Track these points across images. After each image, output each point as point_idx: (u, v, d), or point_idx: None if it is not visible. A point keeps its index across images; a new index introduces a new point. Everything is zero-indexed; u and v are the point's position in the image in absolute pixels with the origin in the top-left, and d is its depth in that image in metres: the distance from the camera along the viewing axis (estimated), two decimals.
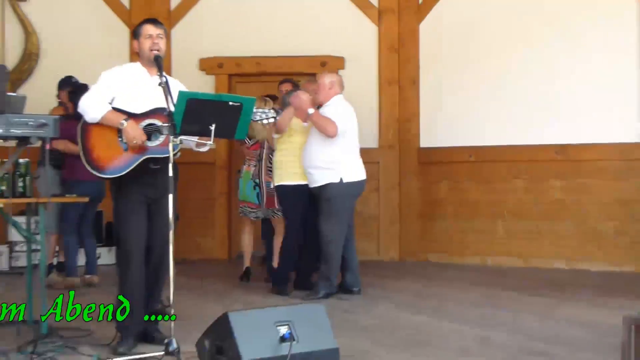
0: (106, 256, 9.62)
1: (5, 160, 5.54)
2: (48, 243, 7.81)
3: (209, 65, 10.21)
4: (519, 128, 9.56)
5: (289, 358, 4.11)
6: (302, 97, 6.93)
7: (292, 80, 8.61)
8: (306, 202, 7.21)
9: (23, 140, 4.08)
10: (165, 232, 4.79)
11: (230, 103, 4.80)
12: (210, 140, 4.77)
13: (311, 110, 6.76)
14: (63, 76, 8.28)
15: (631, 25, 8.94)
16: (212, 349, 4.26)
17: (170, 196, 4.66)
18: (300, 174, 7.13)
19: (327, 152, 6.81)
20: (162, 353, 4.60)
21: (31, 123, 4.02)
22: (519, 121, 9.55)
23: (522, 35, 9.55)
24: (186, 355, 4.55)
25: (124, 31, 10.39)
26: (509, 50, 9.63)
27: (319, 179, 6.90)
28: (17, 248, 9.53)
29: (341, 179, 6.82)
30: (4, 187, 5.93)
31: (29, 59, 10.02)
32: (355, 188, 6.96)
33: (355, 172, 6.95)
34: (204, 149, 5.12)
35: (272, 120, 5.21)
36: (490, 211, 9.82)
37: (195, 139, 4.95)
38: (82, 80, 7.87)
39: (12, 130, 4.00)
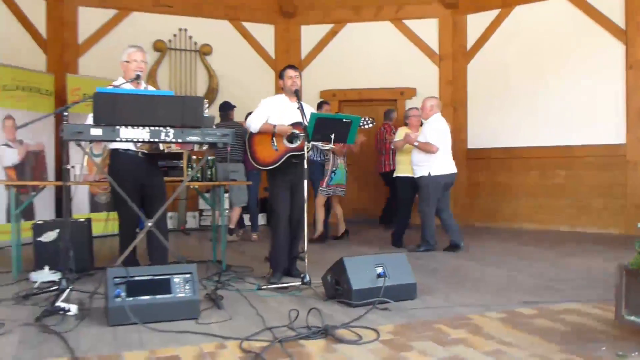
0: (261, 220, 9.79)
1: (200, 158, 5.72)
2: (233, 212, 8.05)
3: (326, 95, 10.22)
4: (535, 134, 9.37)
5: (383, 288, 4.12)
6: (412, 136, 6.92)
7: (326, 102, 8.53)
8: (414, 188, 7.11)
9: (212, 145, 4.16)
10: (302, 205, 4.88)
11: (344, 120, 4.81)
12: (331, 144, 4.83)
13: (416, 143, 6.75)
14: (235, 104, 8.45)
15: (615, 57, 8.66)
16: (332, 281, 4.29)
17: (305, 181, 4.74)
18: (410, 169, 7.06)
19: (422, 155, 6.73)
20: (300, 283, 4.68)
21: (218, 134, 4.10)
22: (535, 129, 9.36)
23: (537, 68, 9.33)
24: (315, 284, 4.59)
25: (271, 73, 10.55)
26: (528, 80, 9.41)
27: (417, 173, 6.83)
28: (204, 214, 9.81)
29: (429, 173, 6.71)
30: (199, 175, 6.14)
31: (211, 92, 10.24)
32: (441, 179, 6.73)
33: (441, 167, 6.73)
34: (326, 148, 5.24)
35: (371, 125, 5.19)
36: (514, 191, 9.64)
37: (319, 143, 5.02)
38: (245, 106, 8.09)
39: (206, 138, 4.08)
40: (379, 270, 4.21)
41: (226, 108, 8.21)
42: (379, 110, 10.05)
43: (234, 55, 10.35)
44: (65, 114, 4.02)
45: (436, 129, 6.75)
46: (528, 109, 9.44)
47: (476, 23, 10.05)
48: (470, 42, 10.14)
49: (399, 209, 7.54)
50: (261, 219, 9.76)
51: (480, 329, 3.53)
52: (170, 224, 8.83)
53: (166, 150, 4.75)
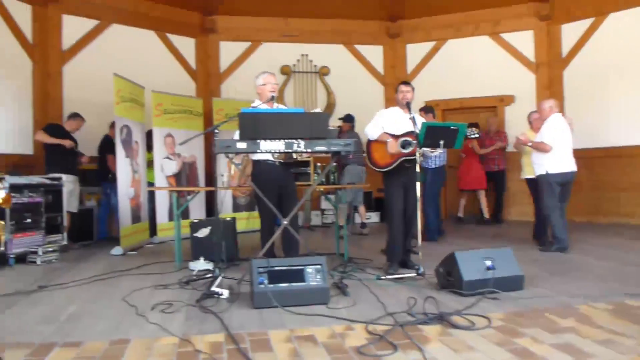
0: (374, 218, 9.78)
1: (325, 164, 5.80)
2: (361, 209, 8.10)
3: (430, 105, 10.00)
4: (633, 133, 8.64)
5: (492, 279, 3.97)
6: (522, 137, 6.40)
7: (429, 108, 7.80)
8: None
9: (336, 153, 4.20)
10: (414, 203, 4.81)
11: (452, 127, 4.69)
12: (440, 149, 4.73)
13: (530, 143, 6.29)
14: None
15: None
16: (444, 272, 4.20)
17: (418, 183, 4.67)
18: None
19: (538, 154, 6.25)
20: (414, 274, 4.61)
21: (341, 143, 4.14)
22: (634, 129, 8.63)
23: (633, 71, 8.62)
24: (428, 275, 4.52)
25: (380, 87, 10.52)
26: (624, 82, 8.71)
27: (536, 172, 6.33)
28: (325, 212, 9.92)
29: (546, 171, 6.19)
30: (323, 179, 6.23)
31: (329, 107, 10.35)
32: (557, 177, 6.13)
33: (558, 166, 6.14)
34: (435, 153, 5.15)
35: (477, 136, 5.01)
36: (616, 188, 8.92)
37: (428, 149, 4.93)
38: (358, 118, 8.13)
39: (331, 148, 4.13)
40: (488, 263, 4.06)
41: (350, 120, 8.28)
42: (481, 116, 9.74)
43: (347, 74, 10.39)
44: (216, 131, 4.22)
45: (551, 128, 6.23)
46: (625, 109, 8.73)
47: (570, 31, 9.43)
48: (565, 50, 9.53)
49: (537, 209, 6.86)
50: (374, 217, 9.75)
51: (589, 318, 3.30)
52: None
53: (298, 159, 4.85)
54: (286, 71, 10.21)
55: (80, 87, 8.29)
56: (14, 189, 5.93)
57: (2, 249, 5.73)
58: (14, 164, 7.17)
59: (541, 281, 4.44)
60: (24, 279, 4.99)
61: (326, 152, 4.28)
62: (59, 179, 6.64)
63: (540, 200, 6.40)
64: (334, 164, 6.28)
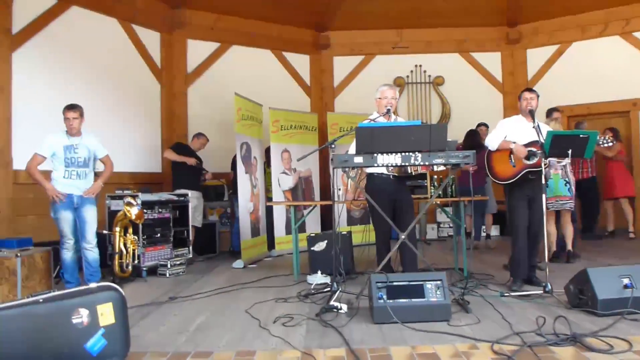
0: (494, 231, 9.42)
1: (443, 177, 5.70)
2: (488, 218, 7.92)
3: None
4: None
5: (631, 299, 3.68)
6: None
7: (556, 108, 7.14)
8: None
9: (455, 165, 4.14)
10: (540, 217, 4.60)
11: (581, 135, 4.44)
12: (568, 159, 4.48)
13: None
14: (464, 127, 8.24)
15: None
16: (575, 291, 3.96)
17: (544, 195, 4.46)
18: None
19: None
20: (541, 291, 4.39)
21: (460, 155, 4.07)
22: None
23: None
24: (557, 293, 4.27)
25: (498, 95, 10.18)
26: None
27: None
28: (441, 225, 9.74)
29: None
30: (440, 192, 6.13)
31: (444, 117, 10.19)
32: None
33: None
34: (563, 163, 4.92)
35: (610, 144, 4.70)
36: None
37: (554, 159, 4.70)
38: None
39: (450, 160, 4.07)
40: (625, 281, 3.77)
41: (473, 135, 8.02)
42: (612, 123, 9.05)
43: (463, 83, 10.17)
44: (332, 146, 4.32)
45: None
46: None
47: None
48: None
49: None
50: (494, 230, 9.40)
51: None
52: None
53: (413, 173, 4.82)
54: (400, 83, 10.20)
55: (204, 107, 8.88)
56: (146, 205, 6.44)
57: (137, 262, 6.23)
58: (145, 181, 7.79)
59: None
60: (155, 290, 5.38)
61: (445, 165, 4.22)
62: (186, 195, 7.12)
63: None
64: (451, 176, 6.17)
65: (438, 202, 6.21)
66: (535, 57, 10.10)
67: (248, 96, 7.60)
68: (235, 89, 7.37)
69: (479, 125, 8.23)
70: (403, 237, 4.37)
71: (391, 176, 4.86)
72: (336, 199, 6.03)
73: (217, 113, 8.66)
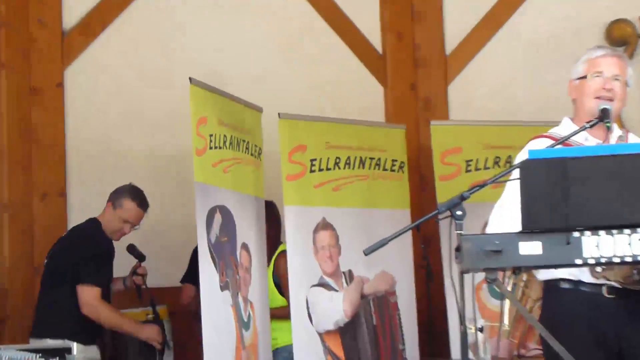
0: None
1: None
2: None
3: None
4: None
5: None
6: None
7: None
8: None
9: None
10: None
11: None
12: None
13: None
14: None
15: None
16: None
17: None
18: None
19: None
20: None
21: None
22: None
23: None
24: None
25: None
26: None
27: None
28: None
29: None
30: None
31: None
32: None
33: None
34: None
35: None
36: None
37: None
38: None
39: None
40: None
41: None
42: None
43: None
44: (459, 212, 2.27)
45: None
46: None
47: None
48: None
49: None
50: None
51: None
52: None
53: None
54: (625, 34, 4.38)
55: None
56: None
57: None
58: None
59: None
60: None
61: None
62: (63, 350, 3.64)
63: None
64: None
65: None
66: None
67: (224, 88, 3.46)
68: (189, 72, 3.25)
69: None
70: None
71: (606, 289, 2.28)
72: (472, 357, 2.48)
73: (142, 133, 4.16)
